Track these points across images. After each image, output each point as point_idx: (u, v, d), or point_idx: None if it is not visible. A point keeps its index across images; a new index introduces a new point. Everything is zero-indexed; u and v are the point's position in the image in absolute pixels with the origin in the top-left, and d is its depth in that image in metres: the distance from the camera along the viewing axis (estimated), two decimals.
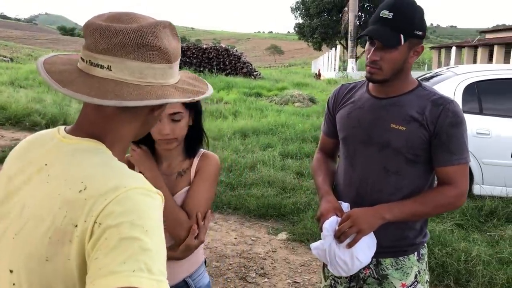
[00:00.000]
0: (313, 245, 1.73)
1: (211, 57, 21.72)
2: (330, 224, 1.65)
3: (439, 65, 39.03)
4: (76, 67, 0.90)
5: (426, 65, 43.20)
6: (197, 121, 1.61)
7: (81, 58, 0.89)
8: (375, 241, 1.66)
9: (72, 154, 0.87)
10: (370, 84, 1.77)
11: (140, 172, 1.56)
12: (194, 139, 1.61)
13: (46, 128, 8.17)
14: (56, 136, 0.92)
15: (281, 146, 7.33)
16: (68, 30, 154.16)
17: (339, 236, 1.62)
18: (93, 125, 0.91)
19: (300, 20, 53.60)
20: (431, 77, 6.00)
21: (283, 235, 4.39)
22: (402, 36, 1.56)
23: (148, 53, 0.87)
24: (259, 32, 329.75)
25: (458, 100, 5.01)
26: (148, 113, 0.96)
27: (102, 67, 0.86)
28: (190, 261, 1.63)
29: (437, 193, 1.67)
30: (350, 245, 1.62)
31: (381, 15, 1.59)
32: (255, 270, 3.74)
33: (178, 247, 1.51)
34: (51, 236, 0.79)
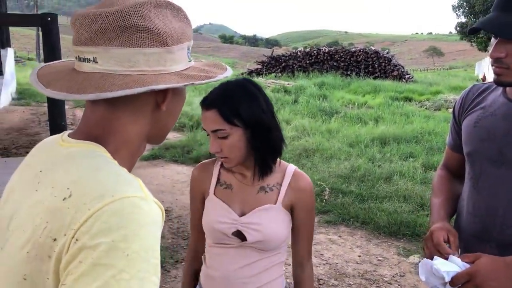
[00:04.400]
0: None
1: (359, 60, 21.05)
2: (441, 267, 1.25)
3: None
4: (72, 67, 0.80)
5: None
6: (261, 137, 1.34)
7: (75, 56, 0.79)
8: None
9: (65, 158, 0.76)
10: None
11: None
12: (263, 159, 1.38)
13: (191, 130, 8.74)
14: (57, 140, 0.82)
15: (425, 156, 6.60)
16: (228, 38, 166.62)
17: None
18: (92, 127, 0.79)
19: (463, 19, 49.16)
20: None
21: (415, 258, 3.86)
22: None
23: (134, 36, 0.73)
24: (417, 33, 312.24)
25: None
26: (153, 109, 0.81)
27: (88, 60, 0.75)
28: (262, 285, 1.42)
29: None
30: None
31: None
32: None
33: None
34: (29, 250, 0.68)
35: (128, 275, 0.61)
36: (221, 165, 1.44)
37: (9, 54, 11.54)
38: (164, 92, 0.80)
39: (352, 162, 6.33)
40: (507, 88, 1.34)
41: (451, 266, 1.24)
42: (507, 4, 1.18)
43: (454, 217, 1.54)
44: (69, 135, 0.81)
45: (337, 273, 3.62)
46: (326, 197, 5.16)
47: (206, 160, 1.52)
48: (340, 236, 4.33)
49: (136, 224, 0.65)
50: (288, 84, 16.50)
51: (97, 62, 0.74)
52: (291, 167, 1.44)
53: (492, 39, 1.25)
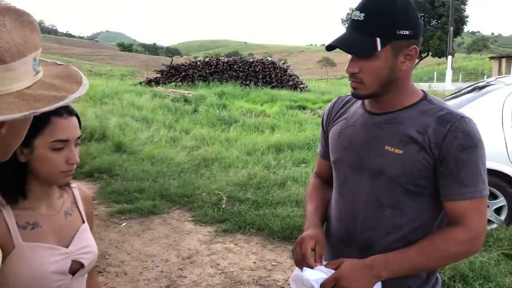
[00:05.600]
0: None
1: (258, 71, 21.67)
2: (310, 277, 1.34)
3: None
4: None
5: (485, 76, 41.04)
6: None
7: None
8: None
9: None
10: None
11: None
12: None
13: (83, 142, 8.30)
14: None
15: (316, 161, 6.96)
16: (126, 46, 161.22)
17: None
18: None
19: None
20: (479, 88, 5.46)
21: None
22: (378, 40, 1.26)
23: None
24: (311, 44, 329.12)
25: (508, 117, 4.46)
26: None
27: None
28: None
29: (444, 239, 1.31)
30: None
31: (352, 17, 1.30)
32: None
33: None
34: None
35: None
36: (12, 207, 1.22)
37: None
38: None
39: (249, 169, 6.47)
40: (365, 100, 1.48)
41: (319, 274, 1.34)
42: (357, 25, 1.30)
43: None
44: None
45: (233, 282, 3.67)
46: (223, 206, 5.21)
47: None
48: (236, 244, 4.39)
49: None
50: (188, 93, 16.43)
51: None
52: (72, 184, 1.43)
53: (348, 55, 1.38)
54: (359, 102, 1.52)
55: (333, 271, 1.34)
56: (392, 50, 1.28)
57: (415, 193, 1.34)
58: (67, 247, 1.29)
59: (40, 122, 1.17)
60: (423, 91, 1.43)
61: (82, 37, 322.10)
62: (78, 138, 1.26)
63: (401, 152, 1.33)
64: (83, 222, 1.38)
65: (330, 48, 1.38)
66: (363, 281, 1.30)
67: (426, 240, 1.32)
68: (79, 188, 1.44)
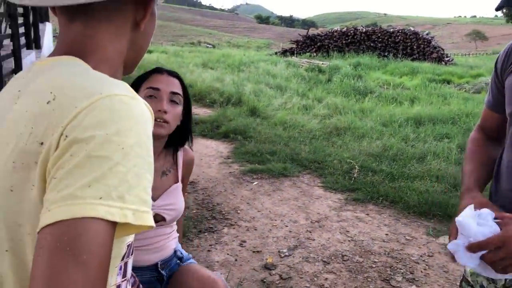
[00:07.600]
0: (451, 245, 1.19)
1: (398, 41, 20.43)
2: (466, 220, 1.10)
3: None
4: None
5: None
6: (188, 116, 1.57)
7: None
8: None
9: (44, 70, 0.72)
10: None
11: None
12: (182, 136, 1.58)
13: (221, 106, 8.72)
14: (33, 63, 0.79)
15: (461, 137, 6.31)
16: (263, 19, 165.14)
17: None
18: (70, 45, 0.74)
19: None
20: None
21: (445, 239, 3.70)
22: None
23: None
24: (459, 16, 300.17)
25: None
26: (132, 28, 0.78)
27: None
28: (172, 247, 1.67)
29: None
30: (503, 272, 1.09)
31: None
32: (402, 273, 3.22)
33: None
34: (15, 160, 0.64)
35: (125, 168, 0.59)
36: None
37: (48, 28, 11.74)
38: (144, 9, 0.77)
39: (384, 141, 6.14)
40: None
41: (483, 227, 1.10)
42: None
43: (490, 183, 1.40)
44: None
45: (362, 250, 3.52)
46: (355, 175, 5.03)
47: None
48: (367, 214, 4.20)
49: (128, 120, 0.62)
50: (322, 63, 16.21)
51: None
52: (184, 147, 1.66)
53: None
54: None
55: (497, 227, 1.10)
56: None
57: None
58: (155, 201, 1.48)
59: (146, 76, 1.50)
60: None
61: (223, 10, 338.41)
62: (173, 94, 1.47)
63: None
64: (176, 182, 1.58)
65: (500, 8, 1.14)
66: None
67: None
68: (185, 150, 1.64)
